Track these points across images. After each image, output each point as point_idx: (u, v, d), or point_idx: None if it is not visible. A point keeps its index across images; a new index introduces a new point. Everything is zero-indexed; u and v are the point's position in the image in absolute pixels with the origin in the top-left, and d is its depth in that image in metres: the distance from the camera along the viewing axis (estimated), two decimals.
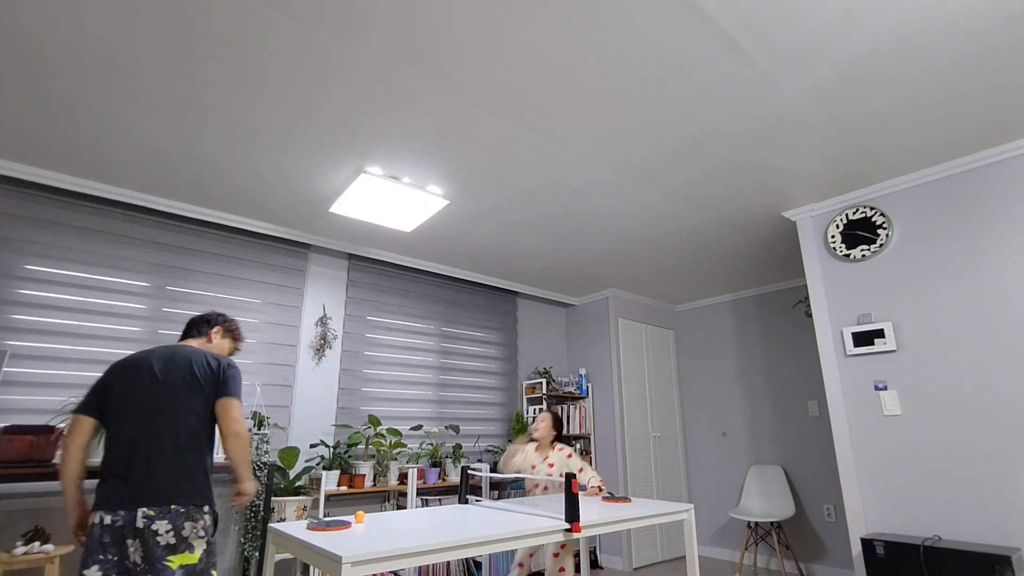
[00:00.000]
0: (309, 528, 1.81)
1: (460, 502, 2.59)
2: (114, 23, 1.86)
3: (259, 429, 3.23)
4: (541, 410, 3.36)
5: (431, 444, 4.11)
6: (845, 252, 3.16)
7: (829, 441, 4.39)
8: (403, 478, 3.71)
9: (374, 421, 3.59)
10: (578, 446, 4.94)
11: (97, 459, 2.71)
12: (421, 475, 3.69)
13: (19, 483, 2.58)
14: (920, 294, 2.88)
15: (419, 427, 3.89)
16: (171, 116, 2.38)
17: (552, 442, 3.14)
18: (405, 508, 3.42)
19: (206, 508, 1.82)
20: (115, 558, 1.68)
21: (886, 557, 2.55)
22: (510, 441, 4.63)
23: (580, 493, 2.88)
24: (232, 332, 2.28)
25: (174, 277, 3.29)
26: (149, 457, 1.76)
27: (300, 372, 3.63)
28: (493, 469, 4.37)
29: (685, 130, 2.54)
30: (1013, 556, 2.24)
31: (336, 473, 3.33)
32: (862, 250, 3.10)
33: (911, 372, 2.85)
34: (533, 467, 3.09)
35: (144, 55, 2.01)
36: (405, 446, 3.76)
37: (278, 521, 2.75)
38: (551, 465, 3.02)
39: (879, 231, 3.05)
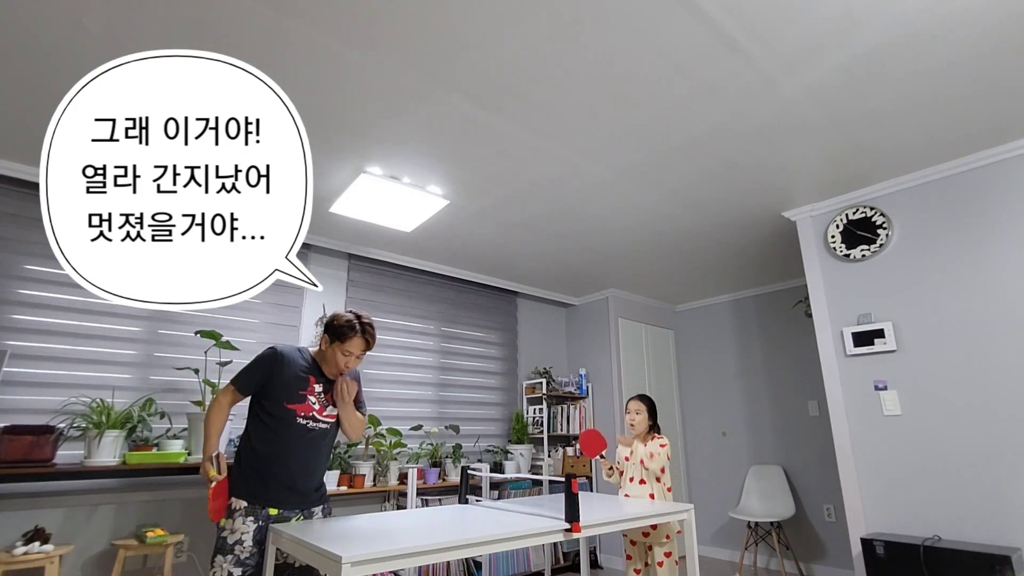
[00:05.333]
0: None
1: (460, 502, 2.58)
2: (114, 23, 1.86)
3: None
4: (633, 399, 2.95)
5: (431, 444, 4.11)
6: (845, 252, 3.16)
7: (829, 441, 4.35)
8: (403, 478, 3.70)
9: (374, 421, 3.59)
10: (578, 446, 4.93)
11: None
12: (421, 475, 3.68)
13: (19, 483, 2.58)
14: (920, 294, 2.88)
15: (419, 427, 3.89)
16: None
17: (650, 432, 2.90)
18: (405, 508, 3.42)
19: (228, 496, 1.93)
20: None
21: (886, 557, 2.55)
22: (510, 441, 4.63)
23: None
24: (330, 331, 2.04)
25: None
26: None
27: None
28: (493, 469, 4.36)
29: (685, 130, 2.54)
30: (1013, 556, 2.24)
31: (336, 473, 3.33)
32: (862, 250, 3.10)
33: (911, 372, 2.84)
34: (627, 459, 2.94)
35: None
36: (405, 446, 3.76)
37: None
38: (651, 455, 2.82)
39: (879, 231, 3.05)
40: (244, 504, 1.90)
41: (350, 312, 2.09)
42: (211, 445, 1.94)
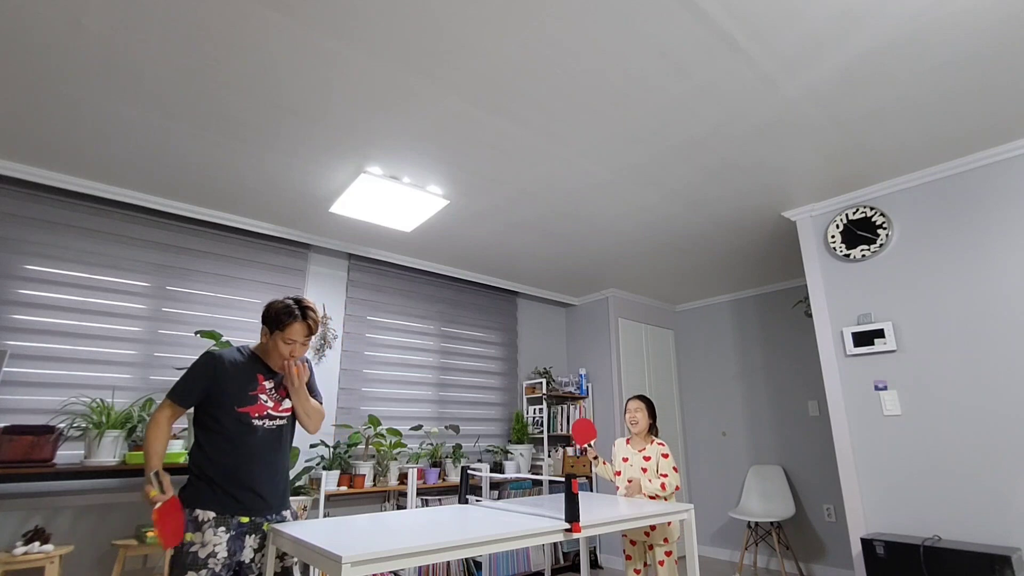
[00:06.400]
0: None
1: (460, 502, 2.58)
2: (114, 23, 1.86)
3: None
4: (632, 399, 2.99)
5: (431, 444, 4.11)
6: (845, 252, 3.16)
7: (829, 441, 4.39)
8: (403, 478, 3.70)
9: (374, 421, 3.59)
10: (579, 446, 4.93)
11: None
12: (421, 475, 3.69)
13: (19, 483, 2.58)
14: (920, 294, 2.88)
15: (419, 427, 3.89)
16: (171, 116, 2.38)
17: (649, 433, 2.94)
18: (405, 508, 3.42)
19: (192, 509, 1.80)
20: None
21: (886, 557, 2.55)
22: (510, 441, 4.63)
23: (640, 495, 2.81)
24: (267, 320, 1.91)
25: (174, 277, 3.29)
26: None
27: None
28: (493, 469, 4.36)
29: (685, 130, 2.54)
30: (1013, 556, 2.24)
31: (336, 473, 3.33)
32: (862, 250, 3.10)
33: (911, 372, 2.85)
34: (626, 460, 2.95)
35: (144, 55, 2.01)
36: (405, 446, 3.76)
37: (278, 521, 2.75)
38: (647, 459, 2.85)
39: (879, 231, 3.05)
40: (212, 515, 1.79)
41: (287, 297, 1.94)
42: (152, 464, 1.77)
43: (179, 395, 1.86)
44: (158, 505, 1.70)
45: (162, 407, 1.86)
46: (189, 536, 1.76)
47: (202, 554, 1.74)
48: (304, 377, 1.95)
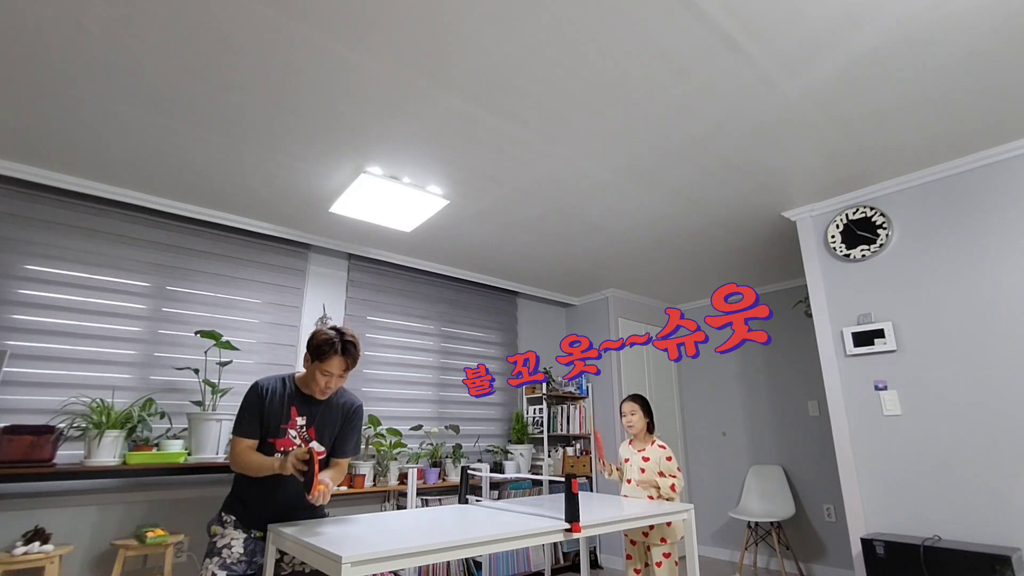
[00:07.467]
0: None
1: (460, 502, 2.58)
2: (114, 23, 1.86)
3: None
4: (626, 400, 2.97)
5: (431, 444, 4.11)
6: (845, 252, 3.16)
7: (829, 441, 4.38)
8: (403, 478, 3.70)
9: (374, 421, 3.59)
10: (578, 446, 4.94)
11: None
12: (421, 475, 3.68)
13: (19, 483, 2.58)
14: (920, 294, 2.88)
15: (419, 427, 3.89)
16: (171, 116, 2.38)
17: (649, 433, 2.91)
18: (405, 508, 3.42)
19: (220, 511, 1.94)
20: None
21: (886, 557, 2.55)
22: (510, 441, 4.63)
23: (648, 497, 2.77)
24: (309, 349, 1.90)
25: (174, 277, 3.29)
26: None
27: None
28: (493, 469, 4.36)
29: (685, 130, 2.54)
30: (1013, 556, 2.24)
31: None
32: (862, 250, 3.10)
33: (911, 372, 2.84)
34: (627, 460, 2.92)
35: (144, 55, 2.01)
36: (405, 446, 3.76)
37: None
38: (646, 460, 2.82)
39: (879, 231, 3.05)
40: (233, 518, 1.92)
41: (332, 328, 1.93)
42: (272, 464, 1.79)
43: (244, 431, 1.89)
44: (307, 456, 1.72)
45: (233, 443, 1.90)
46: (214, 528, 1.90)
47: (219, 544, 1.86)
48: (326, 500, 1.84)
